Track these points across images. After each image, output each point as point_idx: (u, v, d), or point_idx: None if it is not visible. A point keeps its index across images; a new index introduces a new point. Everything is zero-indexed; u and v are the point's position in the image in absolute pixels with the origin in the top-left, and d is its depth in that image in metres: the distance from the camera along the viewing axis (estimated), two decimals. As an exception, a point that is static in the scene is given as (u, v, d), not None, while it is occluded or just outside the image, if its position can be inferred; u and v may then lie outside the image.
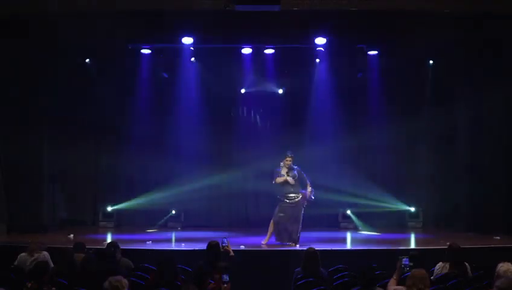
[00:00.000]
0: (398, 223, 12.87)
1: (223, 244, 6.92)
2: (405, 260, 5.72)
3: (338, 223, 13.05)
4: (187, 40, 11.51)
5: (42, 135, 12.09)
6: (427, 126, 13.34)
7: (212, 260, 6.31)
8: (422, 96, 13.13)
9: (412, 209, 13.03)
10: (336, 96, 12.87)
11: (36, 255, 7.12)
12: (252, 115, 13.61)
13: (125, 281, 4.43)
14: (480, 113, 11.79)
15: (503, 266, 4.92)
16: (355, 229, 12.71)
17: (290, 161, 9.77)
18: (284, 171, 9.77)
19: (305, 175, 9.89)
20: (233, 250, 7.15)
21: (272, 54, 12.15)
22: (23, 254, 7.31)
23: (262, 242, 9.80)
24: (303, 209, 9.82)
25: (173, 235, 11.77)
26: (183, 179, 13.17)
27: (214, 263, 6.14)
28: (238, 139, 13.44)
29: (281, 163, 9.84)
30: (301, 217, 9.76)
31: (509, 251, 8.60)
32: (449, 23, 9.89)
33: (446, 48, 11.43)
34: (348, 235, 11.84)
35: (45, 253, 7.24)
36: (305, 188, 9.84)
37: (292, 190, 9.76)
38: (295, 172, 9.79)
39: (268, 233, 9.86)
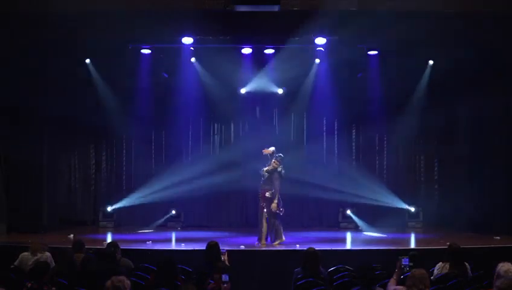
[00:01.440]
0: (398, 223, 12.87)
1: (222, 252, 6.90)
2: (405, 260, 5.73)
3: (338, 223, 13.05)
4: (187, 40, 11.51)
5: (42, 134, 12.08)
6: (427, 126, 13.34)
7: (211, 260, 6.31)
8: (422, 97, 13.13)
9: (412, 209, 13.03)
10: (336, 96, 12.88)
11: (39, 255, 7.10)
12: (252, 115, 13.61)
13: (127, 282, 4.41)
14: (480, 113, 11.79)
15: (503, 266, 4.91)
16: (355, 229, 12.71)
17: (277, 163, 9.82)
18: (266, 168, 9.85)
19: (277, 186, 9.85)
20: (233, 250, 7.15)
21: (272, 54, 12.15)
22: (25, 253, 7.28)
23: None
24: (264, 210, 9.77)
25: (173, 235, 11.76)
26: (183, 179, 13.18)
27: (214, 263, 6.14)
28: (238, 139, 13.44)
29: (271, 168, 9.86)
30: (262, 217, 9.77)
31: (509, 251, 8.60)
32: (449, 23, 9.88)
33: (446, 48, 11.43)
34: (348, 235, 11.83)
35: (48, 254, 7.22)
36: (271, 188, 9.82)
37: (261, 187, 9.86)
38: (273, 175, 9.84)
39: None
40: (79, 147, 13.34)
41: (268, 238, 9.83)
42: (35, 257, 7.03)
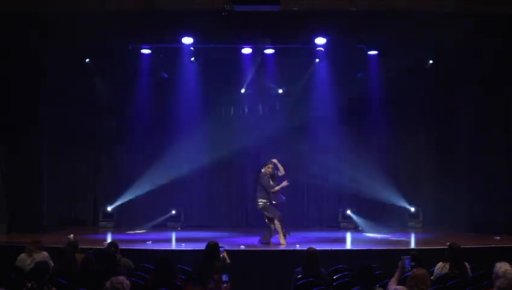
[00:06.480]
0: (398, 223, 12.86)
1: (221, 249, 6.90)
2: (407, 260, 5.72)
3: (338, 223, 13.05)
4: (187, 40, 11.51)
5: (42, 134, 12.07)
6: (427, 126, 13.34)
7: (211, 260, 6.31)
8: (422, 96, 13.12)
9: (412, 209, 13.03)
10: (336, 96, 12.87)
11: (35, 255, 7.09)
12: (252, 115, 13.60)
13: (127, 283, 4.39)
14: (480, 113, 11.79)
15: (501, 267, 4.89)
16: (355, 229, 12.70)
17: (271, 168, 9.85)
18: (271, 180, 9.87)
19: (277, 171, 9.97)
20: (233, 250, 7.14)
21: (272, 54, 12.15)
22: (22, 255, 7.27)
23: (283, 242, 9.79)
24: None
25: (173, 235, 11.77)
26: (183, 179, 13.18)
27: (214, 263, 6.14)
28: (238, 139, 13.43)
29: (263, 170, 9.89)
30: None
31: (509, 251, 8.60)
32: (449, 23, 9.88)
33: (446, 48, 11.43)
34: (348, 235, 11.84)
35: (45, 253, 7.21)
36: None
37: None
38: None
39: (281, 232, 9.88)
40: (79, 147, 13.32)
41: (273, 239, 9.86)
42: (31, 258, 7.01)
